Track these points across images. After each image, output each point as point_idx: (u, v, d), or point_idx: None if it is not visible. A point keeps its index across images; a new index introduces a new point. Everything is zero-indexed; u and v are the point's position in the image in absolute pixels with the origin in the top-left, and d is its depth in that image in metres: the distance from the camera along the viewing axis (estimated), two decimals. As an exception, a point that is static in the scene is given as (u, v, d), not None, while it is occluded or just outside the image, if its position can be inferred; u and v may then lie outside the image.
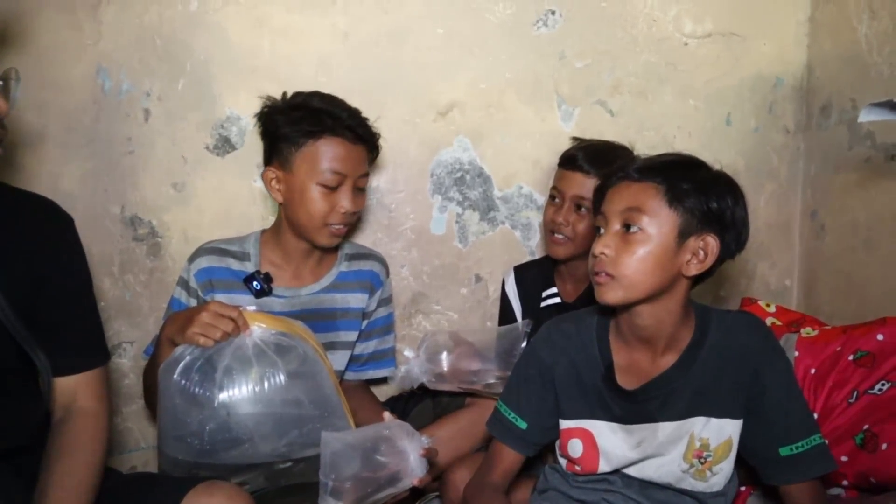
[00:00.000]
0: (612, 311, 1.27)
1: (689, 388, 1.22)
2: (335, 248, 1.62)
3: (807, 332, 1.55)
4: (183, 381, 1.19)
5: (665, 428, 1.23)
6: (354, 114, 1.51)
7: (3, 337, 1.11)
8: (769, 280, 2.03)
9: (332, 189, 1.47)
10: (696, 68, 1.91)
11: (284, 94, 1.54)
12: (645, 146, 1.80)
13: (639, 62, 1.88)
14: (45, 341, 1.16)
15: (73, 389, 1.18)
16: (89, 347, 1.22)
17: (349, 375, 1.64)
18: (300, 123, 1.47)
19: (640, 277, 1.16)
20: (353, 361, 1.65)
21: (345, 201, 1.48)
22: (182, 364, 1.21)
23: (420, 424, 1.48)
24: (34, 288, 1.15)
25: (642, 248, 1.15)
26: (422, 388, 1.59)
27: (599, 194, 1.24)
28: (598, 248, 1.18)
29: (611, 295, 1.17)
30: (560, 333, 1.33)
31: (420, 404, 1.66)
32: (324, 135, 1.47)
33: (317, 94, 1.53)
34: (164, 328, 1.33)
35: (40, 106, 1.75)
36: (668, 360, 1.23)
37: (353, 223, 1.58)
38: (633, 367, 1.26)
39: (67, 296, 1.20)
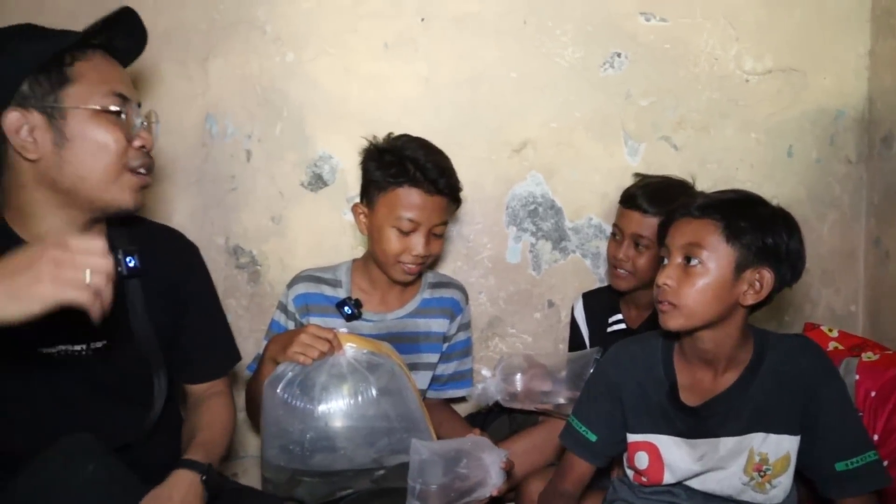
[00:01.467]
0: (675, 335, 1.36)
1: (749, 406, 1.31)
2: (419, 277, 1.73)
3: (868, 356, 1.62)
4: (285, 395, 1.34)
5: (726, 443, 1.32)
6: (441, 166, 1.59)
7: (136, 353, 1.28)
8: (834, 306, 2.08)
9: (406, 233, 1.58)
10: (757, 103, 1.99)
11: (389, 135, 1.66)
12: (708, 178, 1.90)
13: (701, 99, 1.97)
14: (188, 353, 1.37)
15: (211, 386, 1.39)
16: (224, 357, 1.43)
17: (430, 394, 1.76)
18: (388, 169, 1.57)
19: (700, 307, 1.26)
20: (435, 381, 1.77)
21: (418, 246, 1.57)
22: (285, 380, 1.35)
23: (497, 439, 1.58)
24: (173, 306, 1.34)
25: (702, 281, 1.25)
26: (496, 405, 1.70)
27: (664, 228, 1.35)
28: (662, 279, 1.28)
29: (673, 322, 1.28)
30: (627, 354, 1.43)
31: (497, 420, 1.77)
32: (405, 184, 1.56)
33: (414, 142, 1.63)
34: (268, 348, 1.48)
35: (156, 149, 1.94)
36: (729, 379, 1.32)
37: (429, 262, 1.66)
38: (695, 385, 1.35)
39: (204, 312, 1.40)
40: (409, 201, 1.57)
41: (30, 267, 0.92)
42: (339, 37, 1.94)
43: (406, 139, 1.64)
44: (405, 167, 1.56)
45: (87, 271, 0.93)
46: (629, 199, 1.73)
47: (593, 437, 1.42)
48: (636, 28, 1.94)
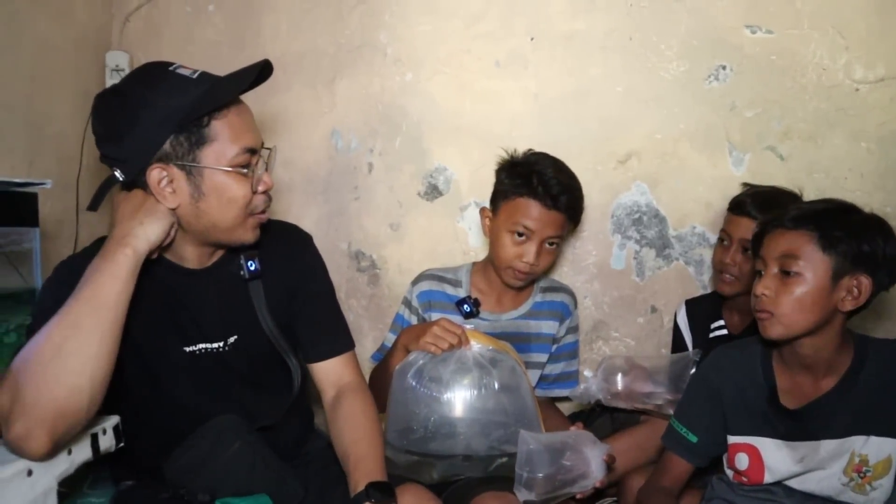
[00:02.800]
0: (775, 342, 1.40)
1: (850, 409, 1.34)
2: (532, 281, 1.84)
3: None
4: (414, 381, 1.48)
5: (827, 445, 1.36)
6: (564, 184, 1.68)
7: (266, 345, 1.44)
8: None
9: (520, 240, 1.69)
10: (867, 112, 1.97)
11: (528, 150, 1.78)
12: (815, 189, 1.91)
13: (808, 109, 1.97)
14: (302, 335, 1.48)
15: (337, 370, 1.49)
16: (339, 336, 1.52)
17: (538, 392, 1.84)
18: (515, 179, 1.71)
19: (799, 316, 1.31)
20: (542, 380, 1.86)
21: (529, 254, 1.68)
22: (415, 367, 1.50)
23: (599, 436, 1.61)
24: (289, 297, 1.47)
25: (799, 290, 1.30)
26: (598, 404, 1.78)
27: (758, 240, 1.40)
28: (759, 289, 1.34)
29: (772, 330, 1.33)
30: (728, 359, 1.48)
31: (599, 419, 1.84)
32: (526, 195, 1.67)
33: (547, 159, 1.74)
34: (400, 337, 1.63)
35: (287, 163, 2.16)
36: (829, 384, 1.36)
37: (539, 273, 1.76)
38: (795, 389, 1.39)
39: (316, 297, 1.51)
40: (528, 211, 1.68)
41: (148, 199, 1.22)
42: (454, 57, 2.07)
43: (541, 156, 1.76)
44: (530, 179, 1.67)
45: None
46: (738, 206, 1.77)
47: (694, 439, 1.47)
48: (742, 40, 1.97)
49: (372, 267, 2.17)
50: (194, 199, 1.25)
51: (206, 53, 2.18)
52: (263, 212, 1.34)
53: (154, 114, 1.20)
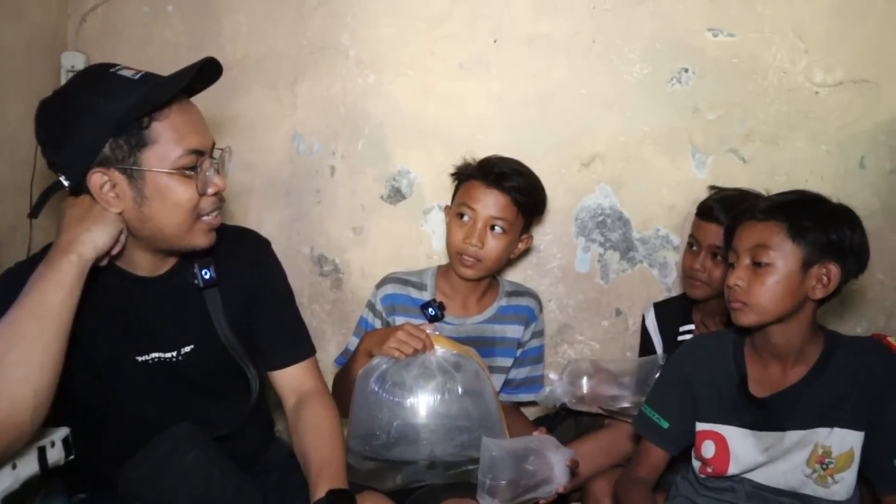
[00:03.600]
0: (747, 331, 1.43)
1: (816, 400, 1.36)
2: (497, 285, 1.85)
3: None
4: (377, 387, 1.46)
5: (792, 436, 1.37)
6: (509, 166, 1.73)
7: (223, 354, 1.40)
8: (908, 317, 2.06)
9: (465, 221, 1.71)
10: (827, 115, 1.98)
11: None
12: (777, 191, 1.89)
13: (770, 112, 1.98)
14: (262, 343, 1.46)
15: (298, 377, 1.46)
16: (298, 343, 1.50)
17: (503, 397, 1.84)
18: (461, 174, 1.77)
19: (771, 304, 1.33)
20: (507, 385, 1.86)
21: (472, 235, 1.69)
22: (378, 372, 1.48)
23: (563, 440, 1.61)
24: (247, 305, 1.44)
25: (771, 279, 1.33)
26: (563, 408, 1.76)
27: (730, 232, 1.42)
28: (732, 280, 1.36)
29: (745, 319, 1.36)
30: (701, 347, 1.51)
31: (564, 423, 1.84)
32: (469, 178, 1.74)
33: (501, 157, 1.79)
34: (363, 341, 1.61)
35: (248, 166, 2.13)
36: (798, 374, 1.38)
37: (490, 264, 1.74)
38: (764, 378, 1.41)
39: (275, 304, 1.48)
40: (469, 191, 1.72)
41: (95, 206, 1.19)
42: (417, 59, 2.05)
43: (498, 157, 1.79)
44: (473, 168, 1.75)
45: None
46: (706, 212, 1.77)
47: (665, 424, 1.48)
48: (704, 44, 1.97)
49: (335, 271, 2.14)
50: (137, 204, 1.22)
51: (164, 55, 2.13)
52: (216, 215, 1.30)
53: (94, 118, 1.17)
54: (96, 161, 1.18)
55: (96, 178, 1.19)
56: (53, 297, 1.09)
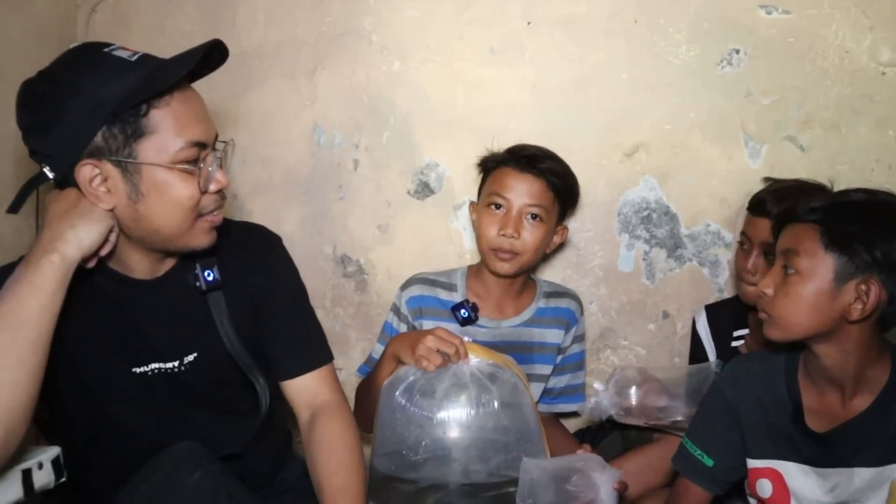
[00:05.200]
0: (800, 350, 1.26)
1: (888, 434, 1.18)
2: (534, 285, 1.72)
3: None
4: (404, 399, 1.33)
5: (862, 474, 1.20)
6: (541, 151, 1.64)
7: (229, 363, 1.28)
8: None
9: (498, 212, 1.59)
10: (895, 97, 1.83)
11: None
12: (841, 181, 1.73)
13: (830, 95, 1.83)
14: (272, 350, 1.33)
15: (312, 388, 1.32)
16: (313, 349, 1.36)
17: (541, 407, 1.72)
18: (488, 163, 1.68)
19: (794, 319, 1.17)
20: (546, 394, 1.73)
21: (508, 226, 1.57)
22: (405, 383, 1.35)
23: (608, 456, 1.52)
24: (255, 308, 1.31)
25: (796, 291, 1.16)
26: (610, 420, 1.62)
27: (776, 230, 1.27)
28: (761, 286, 1.22)
29: (771, 333, 1.21)
30: (746, 372, 1.33)
31: (609, 436, 1.71)
32: (500, 165, 1.64)
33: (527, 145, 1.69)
34: (390, 345, 1.47)
35: (266, 160, 2.01)
36: (862, 404, 1.21)
37: (524, 253, 1.61)
38: (822, 409, 1.24)
39: (285, 306, 1.35)
40: (501, 179, 1.62)
41: (83, 200, 1.08)
42: (445, 44, 1.92)
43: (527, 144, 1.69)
44: (504, 152, 1.65)
45: None
46: (758, 206, 1.62)
47: (710, 462, 1.33)
48: (756, 22, 1.82)
49: (359, 272, 2.01)
50: (132, 201, 1.09)
51: (177, 45, 1.94)
52: (217, 212, 1.18)
53: (85, 102, 1.05)
54: (86, 151, 1.06)
55: (86, 171, 1.07)
56: (31, 303, 0.97)
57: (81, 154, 1.06)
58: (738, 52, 1.84)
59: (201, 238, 1.17)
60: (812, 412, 1.25)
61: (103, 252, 1.10)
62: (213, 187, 1.14)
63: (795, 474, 1.26)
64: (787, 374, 1.28)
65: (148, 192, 1.09)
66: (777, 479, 1.27)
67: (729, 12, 1.83)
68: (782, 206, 1.43)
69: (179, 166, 1.10)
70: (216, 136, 1.17)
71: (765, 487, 1.28)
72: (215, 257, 1.25)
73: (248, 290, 1.30)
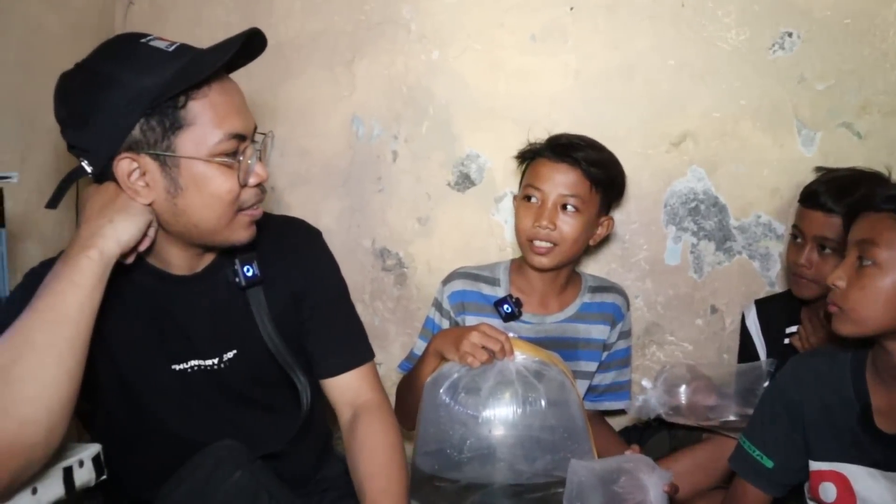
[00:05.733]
0: (867, 347, 1.20)
1: None
2: (579, 279, 1.68)
3: None
4: (449, 396, 1.29)
5: None
6: (578, 139, 1.59)
7: (270, 360, 1.26)
8: None
9: (533, 203, 1.55)
10: (959, 82, 1.74)
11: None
12: (900, 169, 1.69)
13: (890, 79, 1.74)
14: (313, 347, 1.31)
15: (353, 386, 1.30)
16: (354, 347, 1.34)
17: (585, 405, 1.65)
18: (525, 155, 1.64)
19: (870, 313, 1.12)
20: (591, 392, 1.68)
21: (543, 217, 1.53)
22: (450, 380, 1.31)
23: (656, 456, 1.47)
24: (295, 304, 1.29)
25: (873, 284, 1.11)
26: (656, 419, 1.58)
27: (848, 221, 1.21)
28: (832, 278, 1.16)
29: (841, 327, 1.15)
30: (810, 370, 1.28)
31: (656, 435, 1.66)
32: (535, 157, 1.60)
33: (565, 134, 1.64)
34: (433, 341, 1.44)
35: (304, 152, 1.99)
36: None
37: (562, 244, 1.55)
38: (893, 409, 1.18)
39: (326, 303, 1.33)
40: (536, 170, 1.59)
41: (121, 194, 1.05)
42: (485, 31, 1.88)
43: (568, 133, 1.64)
44: (541, 143, 1.61)
45: None
46: (810, 197, 1.55)
47: (769, 464, 1.28)
48: (810, 3, 1.74)
49: (398, 266, 1.98)
50: (171, 195, 1.07)
51: (214, 36, 1.92)
52: (257, 206, 1.15)
53: (122, 94, 1.02)
54: (124, 145, 1.04)
55: (124, 165, 1.04)
56: (69, 300, 0.95)
57: (119, 148, 1.04)
58: (790, 35, 1.76)
59: (241, 233, 1.14)
60: (881, 413, 1.19)
61: (142, 247, 1.08)
62: (252, 181, 1.12)
63: (862, 478, 1.20)
64: (854, 373, 1.23)
65: (187, 185, 1.07)
66: (842, 482, 1.22)
67: (781, -6, 1.75)
68: (854, 197, 1.37)
69: (218, 159, 1.07)
70: (255, 128, 1.15)
71: (828, 491, 1.23)
72: (255, 252, 1.23)
73: (289, 285, 1.28)
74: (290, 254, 1.30)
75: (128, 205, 1.04)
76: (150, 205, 1.08)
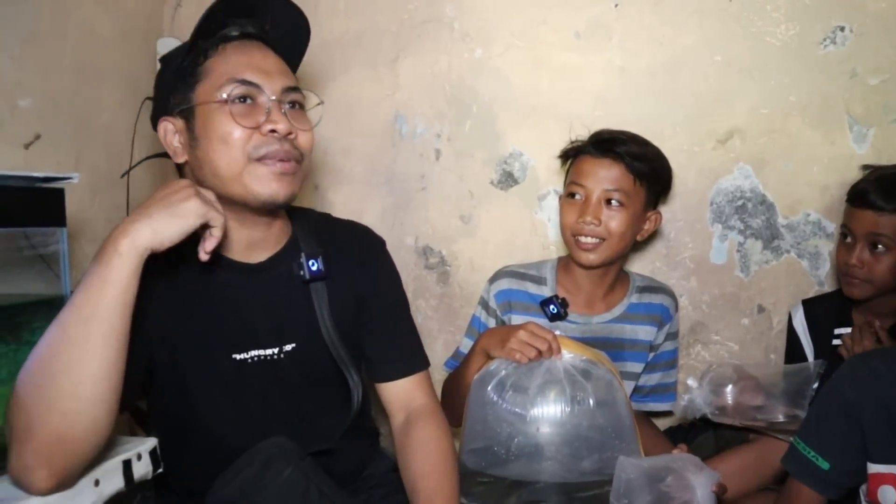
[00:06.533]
0: None
1: None
2: (627, 279, 1.67)
3: None
4: (496, 394, 1.31)
5: None
6: (620, 133, 1.59)
7: (326, 355, 1.27)
8: None
9: (577, 199, 1.56)
10: None
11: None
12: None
13: (947, 74, 1.70)
14: (371, 352, 1.34)
15: (408, 392, 1.33)
16: (411, 355, 1.37)
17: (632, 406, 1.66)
18: (568, 153, 1.65)
19: None
20: (636, 392, 1.68)
21: (587, 213, 1.53)
22: (496, 378, 1.32)
23: (702, 456, 1.44)
24: (357, 305, 1.32)
25: None
26: (702, 419, 1.57)
27: None
28: None
29: None
30: (869, 371, 1.25)
31: (702, 436, 1.64)
32: (578, 154, 1.60)
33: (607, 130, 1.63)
34: (480, 340, 1.46)
35: (348, 150, 2.00)
36: None
37: (614, 248, 1.56)
38: None
39: (386, 309, 1.36)
40: (579, 167, 1.59)
41: (178, 191, 1.03)
42: (529, 29, 1.87)
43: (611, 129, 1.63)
44: (585, 143, 1.61)
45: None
46: (859, 196, 1.53)
47: (825, 465, 1.25)
48: (864, -4, 1.71)
49: (441, 264, 1.99)
50: (192, 147, 1.15)
51: None
52: (281, 160, 1.14)
53: (167, 68, 1.19)
54: (164, 109, 1.17)
55: (161, 127, 1.16)
56: (103, 296, 0.95)
57: (161, 114, 1.17)
58: (842, 29, 1.73)
59: (261, 185, 1.14)
60: None
61: (208, 247, 1.08)
62: (267, 127, 1.13)
63: None
64: None
65: (200, 134, 1.13)
66: None
67: (833, -13, 1.72)
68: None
69: (222, 99, 1.11)
70: (284, 87, 1.17)
71: (888, 495, 1.20)
72: (321, 248, 1.27)
73: (352, 285, 1.30)
74: (357, 256, 1.33)
75: (175, 204, 1.02)
76: (185, 163, 1.16)
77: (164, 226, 1.00)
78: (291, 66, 1.25)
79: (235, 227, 1.19)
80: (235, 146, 1.11)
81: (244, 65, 1.13)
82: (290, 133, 1.14)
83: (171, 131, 1.15)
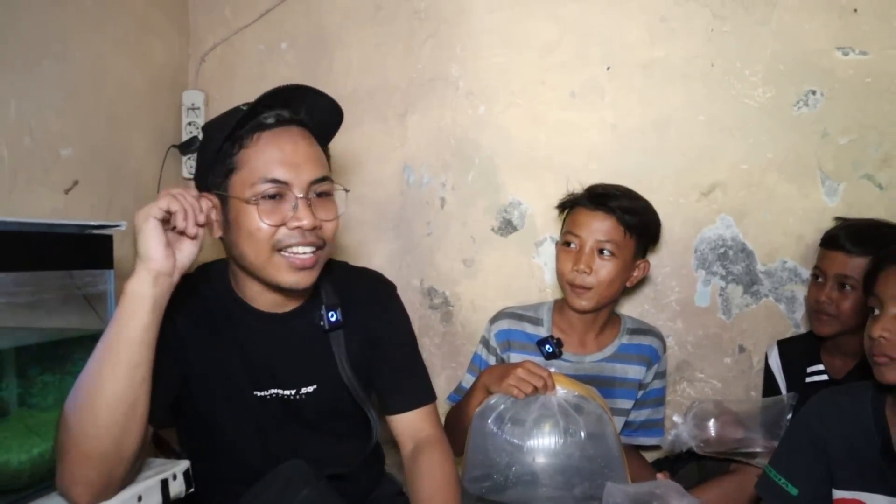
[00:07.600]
0: (889, 387, 1.28)
1: None
2: (619, 321, 1.78)
3: None
4: (496, 426, 1.42)
5: None
6: (613, 188, 1.70)
7: (346, 396, 1.39)
8: None
9: (571, 248, 1.67)
10: (976, 137, 1.83)
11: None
12: (919, 221, 1.78)
13: (910, 134, 1.84)
14: (382, 387, 1.45)
15: (416, 423, 1.44)
16: (419, 389, 1.47)
17: (621, 440, 1.77)
18: (565, 204, 1.77)
19: None
20: (626, 427, 1.78)
21: (580, 261, 1.64)
22: (496, 412, 1.44)
23: (686, 485, 1.53)
24: (371, 347, 1.43)
25: None
26: (688, 451, 1.66)
27: (872, 277, 1.28)
28: (876, 331, 1.22)
29: (893, 376, 1.21)
30: (833, 405, 1.36)
31: (685, 467, 1.74)
32: (574, 206, 1.72)
33: (606, 184, 1.76)
34: (481, 377, 1.57)
35: (359, 198, 2.14)
36: None
37: (598, 287, 1.66)
38: None
39: (397, 349, 1.47)
40: (574, 219, 1.70)
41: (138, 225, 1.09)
42: (528, 88, 2.02)
43: (604, 184, 1.75)
44: (579, 193, 1.73)
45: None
46: (831, 240, 1.67)
47: (794, 491, 1.36)
48: (833, 64, 1.86)
49: (445, 304, 2.12)
50: (226, 230, 1.25)
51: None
52: (303, 254, 1.24)
53: (207, 145, 1.26)
54: (206, 185, 1.26)
55: (204, 202, 1.19)
56: (129, 326, 1.05)
57: (202, 182, 1.27)
58: (814, 93, 1.87)
59: (284, 275, 1.24)
60: None
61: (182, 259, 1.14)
62: (291, 224, 1.21)
63: None
64: (875, 408, 1.31)
65: (233, 222, 1.23)
66: None
67: (805, 55, 1.87)
68: (883, 252, 1.43)
69: (253, 199, 1.20)
70: (314, 180, 1.24)
71: None
72: (339, 299, 1.38)
73: (367, 332, 1.42)
74: (371, 304, 1.44)
75: (139, 230, 1.08)
76: (221, 238, 1.27)
77: (141, 247, 1.07)
78: (324, 142, 1.34)
79: (258, 289, 1.31)
80: (262, 240, 1.21)
81: (276, 161, 1.21)
82: (315, 227, 1.23)
83: (211, 208, 1.21)
